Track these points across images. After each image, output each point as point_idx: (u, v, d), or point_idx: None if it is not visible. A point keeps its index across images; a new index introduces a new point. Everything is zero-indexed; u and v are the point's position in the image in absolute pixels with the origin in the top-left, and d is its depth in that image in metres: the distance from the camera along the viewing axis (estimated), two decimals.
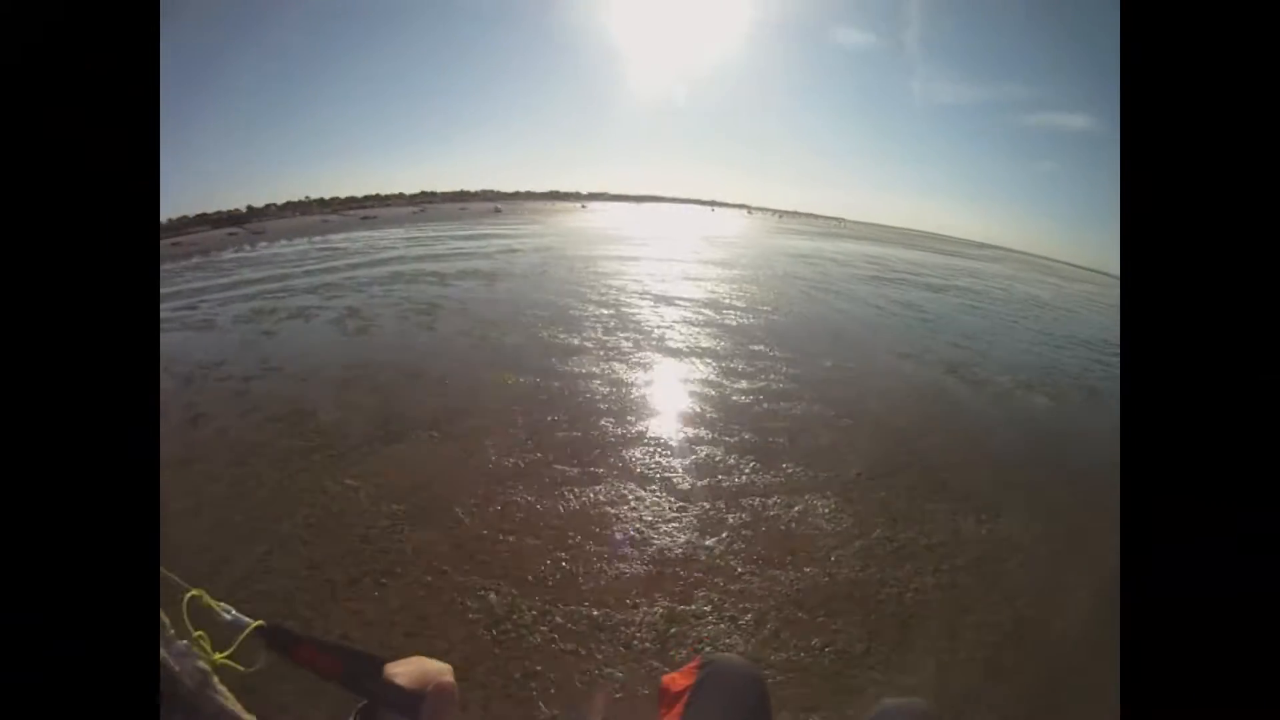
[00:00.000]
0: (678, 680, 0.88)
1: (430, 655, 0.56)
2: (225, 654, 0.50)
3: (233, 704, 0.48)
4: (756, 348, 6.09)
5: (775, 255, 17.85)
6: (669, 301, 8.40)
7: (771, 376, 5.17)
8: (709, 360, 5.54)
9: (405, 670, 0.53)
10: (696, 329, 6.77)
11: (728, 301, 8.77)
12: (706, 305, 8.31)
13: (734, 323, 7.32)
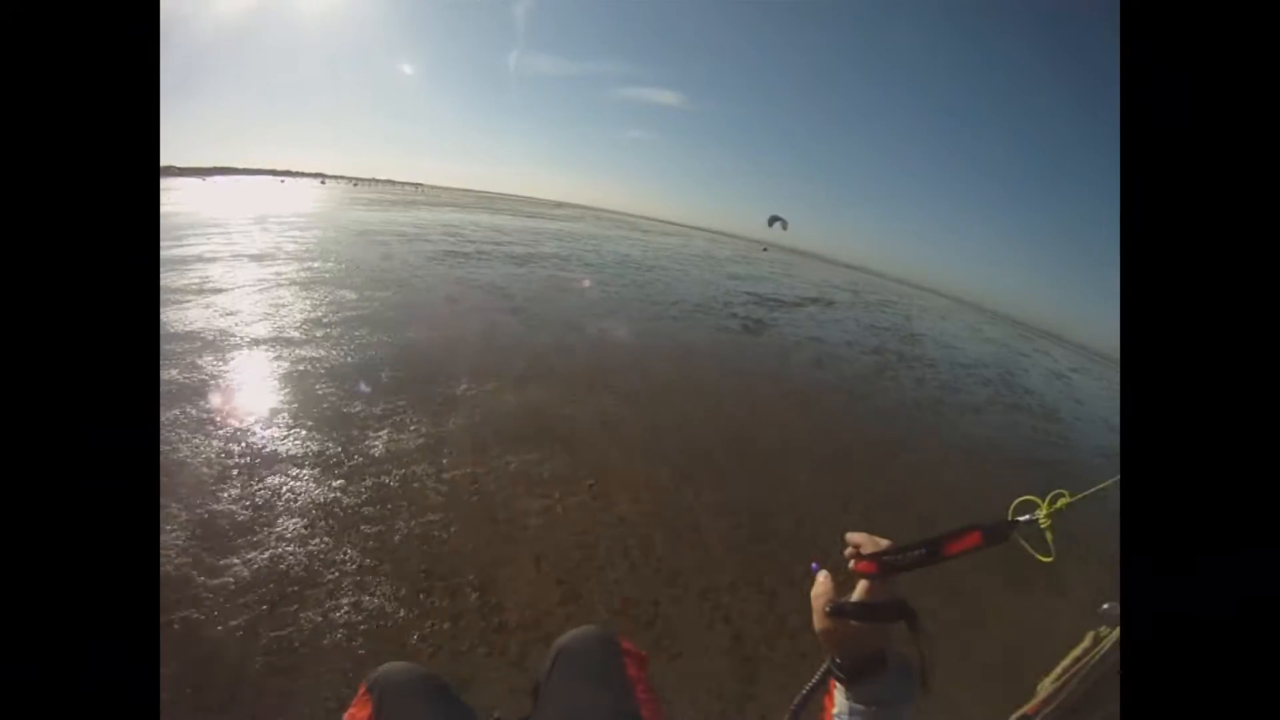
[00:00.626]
0: (356, 715, 0.82)
1: None
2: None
3: None
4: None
5: (341, 236, 12.98)
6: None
7: None
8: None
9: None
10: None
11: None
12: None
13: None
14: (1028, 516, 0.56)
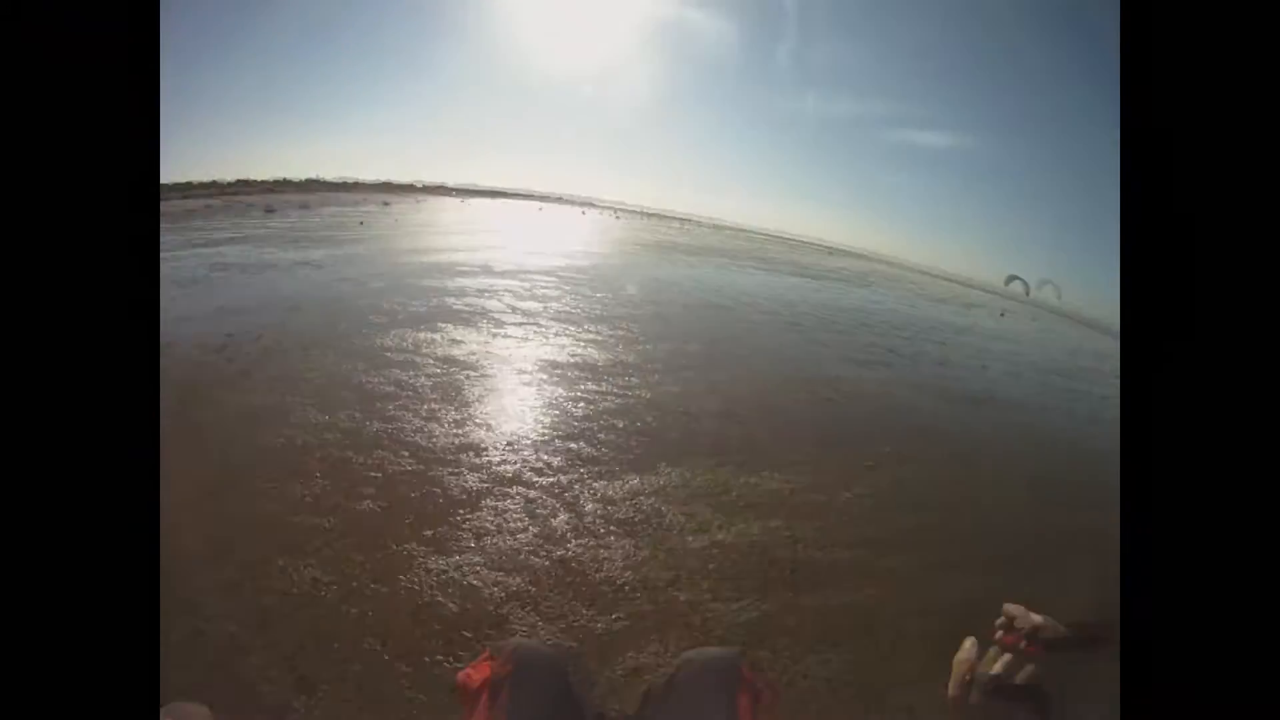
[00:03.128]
0: (473, 676, 0.83)
1: None
2: None
3: None
4: None
5: (681, 303, 9.96)
6: None
7: None
8: None
9: None
10: None
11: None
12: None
13: None
14: None
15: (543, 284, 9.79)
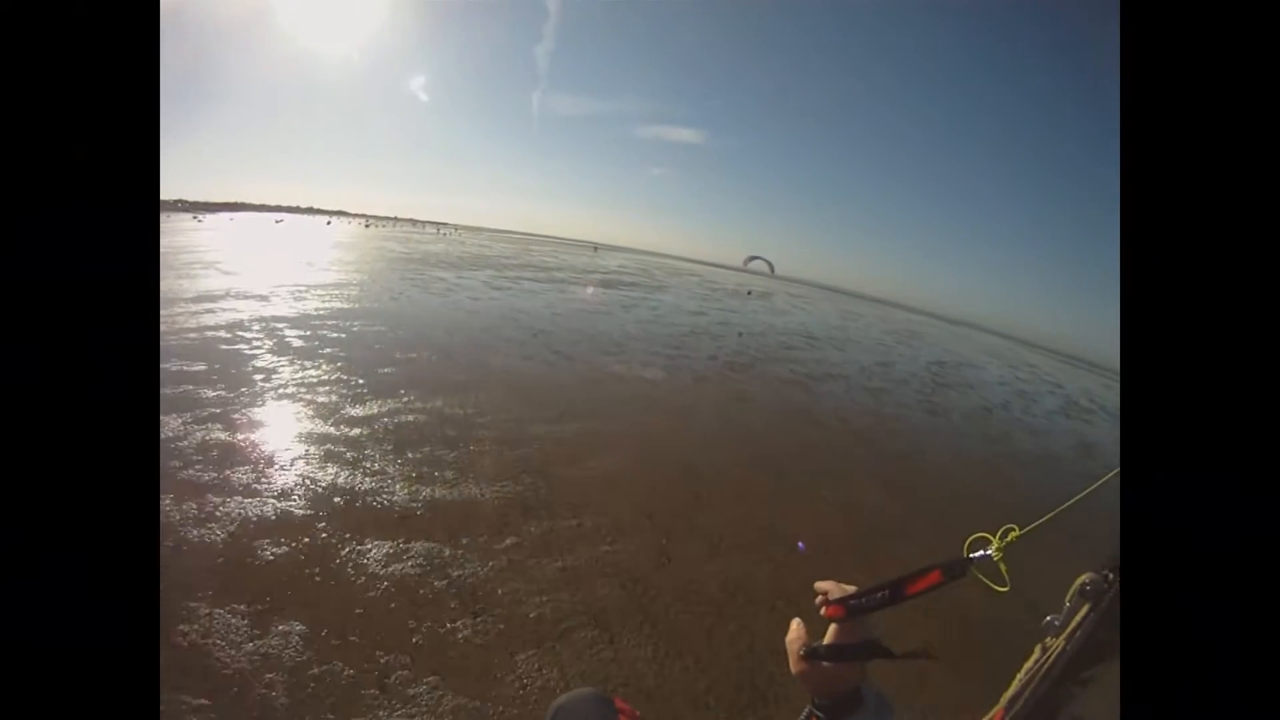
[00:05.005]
0: None
1: None
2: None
3: None
4: None
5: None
6: None
7: None
8: None
9: None
10: None
11: None
12: None
13: None
14: (982, 552, 0.60)
15: None
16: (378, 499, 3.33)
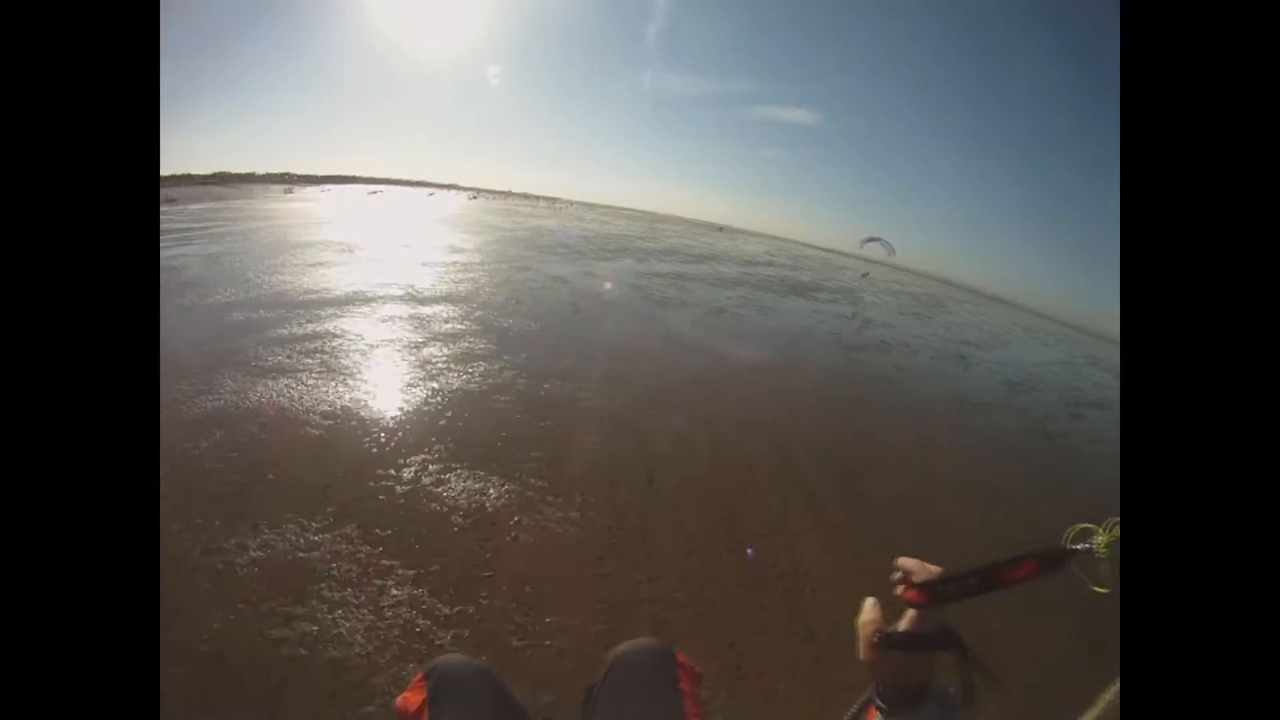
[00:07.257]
0: (410, 699, 0.84)
1: None
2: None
3: None
4: None
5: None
6: None
7: None
8: None
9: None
10: None
11: None
12: None
13: None
14: (1085, 545, 0.53)
15: None
16: None
